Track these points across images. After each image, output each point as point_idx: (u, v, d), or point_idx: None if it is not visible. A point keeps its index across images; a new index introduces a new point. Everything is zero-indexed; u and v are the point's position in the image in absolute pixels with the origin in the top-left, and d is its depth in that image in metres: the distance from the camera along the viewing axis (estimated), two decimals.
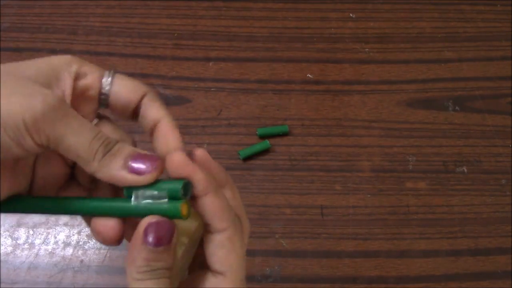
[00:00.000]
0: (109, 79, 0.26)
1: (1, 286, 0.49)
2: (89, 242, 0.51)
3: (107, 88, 0.26)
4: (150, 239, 0.22)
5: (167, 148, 0.26)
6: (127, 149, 0.24)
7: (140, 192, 0.23)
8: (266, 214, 0.53)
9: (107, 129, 0.26)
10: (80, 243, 0.51)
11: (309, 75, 0.61)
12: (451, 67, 0.62)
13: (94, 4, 0.66)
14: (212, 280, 0.25)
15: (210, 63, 0.62)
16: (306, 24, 0.65)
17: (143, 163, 0.23)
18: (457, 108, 0.60)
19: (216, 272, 0.25)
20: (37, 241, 0.51)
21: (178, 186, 0.23)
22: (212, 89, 0.60)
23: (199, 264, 0.27)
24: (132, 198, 0.23)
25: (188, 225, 0.25)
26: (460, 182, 0.55)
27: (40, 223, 0.52)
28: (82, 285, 0.48)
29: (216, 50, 0.63)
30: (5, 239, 0.51)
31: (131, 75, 0.66)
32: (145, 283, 0.23)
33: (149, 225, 0.23)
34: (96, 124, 0.27)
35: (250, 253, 0.51)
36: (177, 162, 0.24)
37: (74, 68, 0.25)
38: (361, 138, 0.57)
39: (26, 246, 0.51)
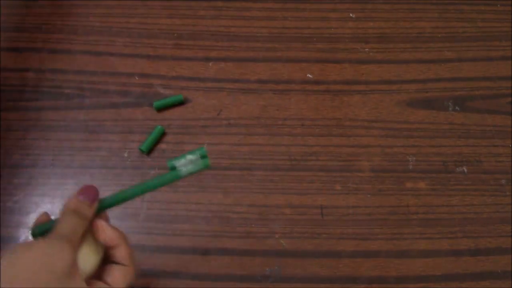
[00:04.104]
0: None
1: None
2: None
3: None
4: (83, 194, 0.34)
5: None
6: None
7: (182, 162, 0.34)
8: (266, 214, 0.53)
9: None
10: None
11: (309, 75, 0.61)
12: (451, 67, 0.62)
13: (94, 4, 0.66)
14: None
15: (210, 63, 0.62)
16: (306, 24, 0.65)
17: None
18: (457, 108, 0.60)
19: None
20: None
21: (203, 149, 0.34)
22: (212, 89, 0.60)
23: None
24: (180, 167, 0.34)
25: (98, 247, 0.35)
26: (460, 182, 0.55)
27: None
28: None
29: (216, 50, 0.63)
30: (5, 239, 0.51)
31: (131, 75, 0.66)
32: (71, 217, 0.33)
33: (84, 187, 0.35)
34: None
35: (250, 253, 0.51)
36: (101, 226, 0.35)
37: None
38: (361, 138, 0.57)
39: None
